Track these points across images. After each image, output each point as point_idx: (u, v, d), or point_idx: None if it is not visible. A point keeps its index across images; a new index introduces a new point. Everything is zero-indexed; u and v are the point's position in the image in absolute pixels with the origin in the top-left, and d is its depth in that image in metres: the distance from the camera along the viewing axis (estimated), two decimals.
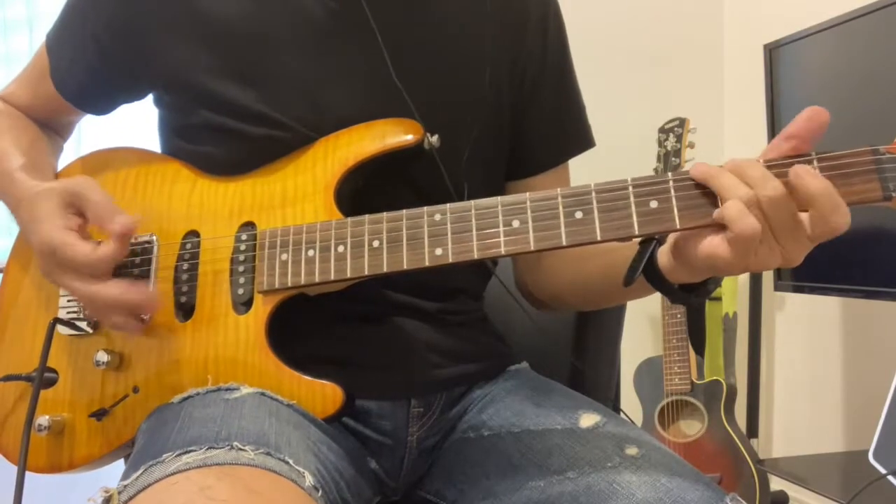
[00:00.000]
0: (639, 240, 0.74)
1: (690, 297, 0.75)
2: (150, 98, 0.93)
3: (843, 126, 1.67)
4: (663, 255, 0.73)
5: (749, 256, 0.64)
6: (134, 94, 0.93)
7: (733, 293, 2.28)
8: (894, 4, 1.54)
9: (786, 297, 2.25)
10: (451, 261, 0.72)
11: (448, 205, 0.73)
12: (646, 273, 0.74)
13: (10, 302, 0.91)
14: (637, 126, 2.13)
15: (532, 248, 0.70)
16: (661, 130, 1.99)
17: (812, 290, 1.83)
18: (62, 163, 0.96)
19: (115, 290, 0.76)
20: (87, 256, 0.75)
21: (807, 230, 0.63)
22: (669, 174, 0.67)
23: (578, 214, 0.69)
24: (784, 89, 1.88)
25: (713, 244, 0.65)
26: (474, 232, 0.72)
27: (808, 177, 0.62)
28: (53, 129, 0.99)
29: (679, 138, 1.94)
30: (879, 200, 0.64)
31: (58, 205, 0.78)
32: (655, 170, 1.98)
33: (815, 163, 0.64)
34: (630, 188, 0.68)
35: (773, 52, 1.89)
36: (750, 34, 2.30)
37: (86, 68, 0.90)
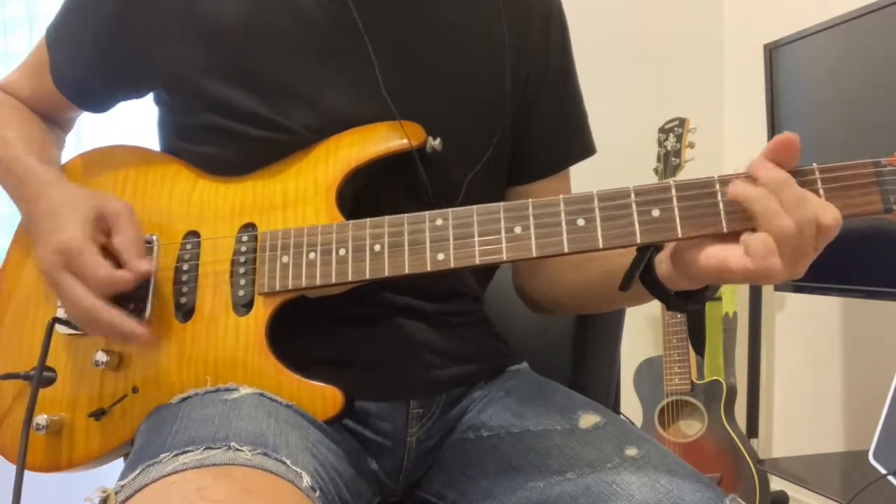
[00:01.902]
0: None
1: (687, 304, 0.75)
2: (150, 96, 0.92)
3: (842, 126, 1.67)
4: (662, 261, 0.73)
5: (759, 280, 0.65)
6: (133, 93, 0.93)
7: (733, 293, 2.28)
8: (894, 4, 1.54)
9: (786, 297, 2.25)
10: (452, 266, 0.72)
11: (450, 209, 0.73)
12: (643, 279, 0.74)
13: (9, 299, 0.90)
14: (637, 126, 2.13)
15: (534, 255, 0.70)
16: (661, 130, 1.99)
17: (812, 290, 1.83)
18: (62, 160, 0.96)
19: (112, 316, 0.76)
20: (106, 273, 0.76)
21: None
22: (672, 182, 0.67)
23: (581, 222, 0.69)
24: (784, 89, 1.88)
25: (723, 258, 0.65)
26: (476, 238, 0.72)
27: None
28: (55, 122, 0.99)
29: (679, 138, 1.94)
30: (880, 213, 0.65)
31: (91, 215, 0.78)
32: (655, 170, 1.98)
33: (816, 174, 0.65)
34: (632, 196, 0.68)
35: (773, 52, 1.89)
36: (750, 34, 2.30)
37: (85, 66, 0.90)
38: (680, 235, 0.67)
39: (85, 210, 0.79)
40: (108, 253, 0.79)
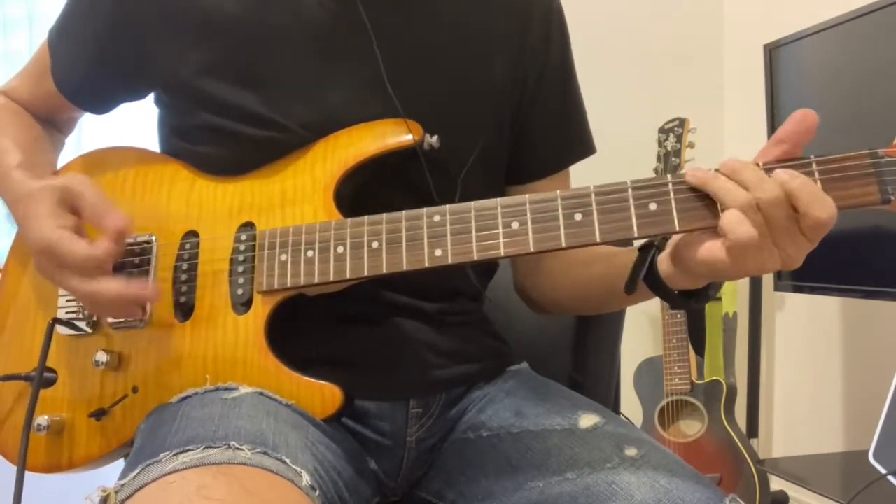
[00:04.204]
0: (639, 246, 0.74)
1: (690, 302, 0.75)
2: (150, 97, 0.93)
3: (842, 126, 1.67)
4: (663, 261, 0.73)
5: (747, 261, 0.64)
6: (134, 94, 0.93)
7: (733, 293, 2.28)
8: (894, 4, 1.54)
9: (786, 297, 2.25)
10: (450, 262, 0.72)
11: (447, 206, 0.73)
12: (646, 279, 0.74)
13: (9, 301, 0.90)
14: (637, 126, 2.13)
15: (531, 250, 0.70)
16: (661, 130, 1.99)
17: (812, 290, 1.83)
18: (62, 160, 0.96)
19: (116, 286, 0.75)
20: (84, 253, 0.74)
21: (801, 228, 0.64)
22: (668, 177, 0.68)
23: (578, 216, 0.69)
24: (784, 89, 1.88)
25: (711, 249, 0.66)
26: (474, 233, 0.72)
27: (787, 177, 0.63)
28: (55, 125, 0.99)
29: (679, 138, 1.94)
30: (878, 203, 0.64)
31: (52, 203, 0.77)
32: (655, 170, 1.98)
33: (813, 166, 0.65)
34: (629, 190, 0.68)
35: (773, 52, 1.89)
36: (750, 34, 2.30)
37: (86, 67, 0.90)
38: (677, 228, 0.67)
39: (45, 201, 0.76)
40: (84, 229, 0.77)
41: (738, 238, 0.63)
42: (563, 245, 0.69)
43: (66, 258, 0.74)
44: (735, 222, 0.63)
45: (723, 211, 0.65)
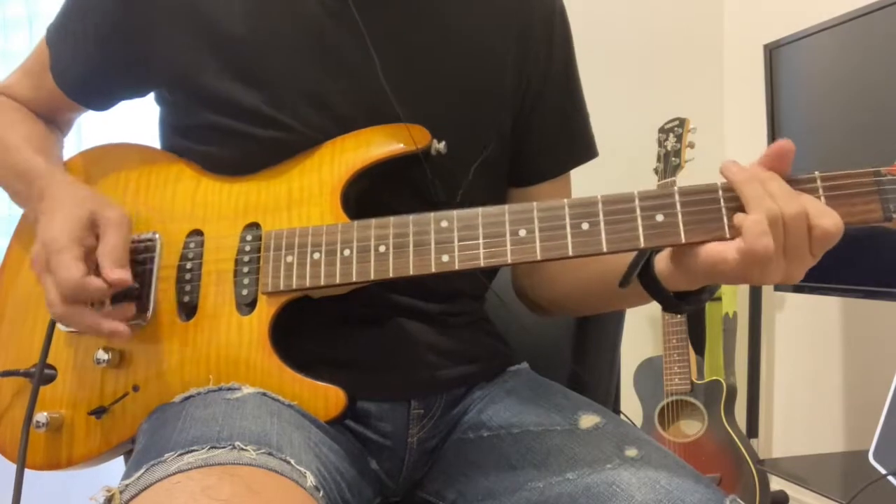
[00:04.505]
0: None
1: (682, 305, 0.75)
2: (150, 95, 0.92)
3: (842, 126, 1.67)
4: (661, 259, 0.74)
5: (753, 270, 0.65)
6: (134, 92, 0.93)
7: (733, 293, 2.28)
8: (894, 4, 1.54)
9: (786, 297, 2.25)
10: (457, 268, 0.72)
11: (455, 212, 0.73)
12: (641, 277, 0.74)
13: (9, 295, 0.90)
14: (637, 126, 2.13)
15: (538, 258, 0.70)
16: (661, 130, 1.99)
17: (812, 290, 1.83)
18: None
19: (89, 319, 0.76)
20: (75, 279, 0.74)
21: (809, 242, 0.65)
22: (676, 188, 0.68)
23: (585, 226, 0.69)
24: (784, 89, 1.88)
25: (720, 249, 0.66)
26: (481, 240, 0.72)
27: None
28: (54, 124, 0.98)
29: (679, 138, 1.94)
30: (880, 221, 0.66)
31: (83, 217, 0.77)
32: (655, 170, 1.99)
33: (818, 182, 0.66)
34: (636, 201, 0.69)
35: (773, 52, 1.89)
36: (750, 34, 2.30)
37: (85, 62, 0.90)
38: (683, 241, 0.67)
39: (78, 211, 0.77)
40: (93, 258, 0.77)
41: (752, 245, 0.63)
42: (570, 254, 0.69)
43: (60, 270, 0.74)
44: (759, 231, 0.63)
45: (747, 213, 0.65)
